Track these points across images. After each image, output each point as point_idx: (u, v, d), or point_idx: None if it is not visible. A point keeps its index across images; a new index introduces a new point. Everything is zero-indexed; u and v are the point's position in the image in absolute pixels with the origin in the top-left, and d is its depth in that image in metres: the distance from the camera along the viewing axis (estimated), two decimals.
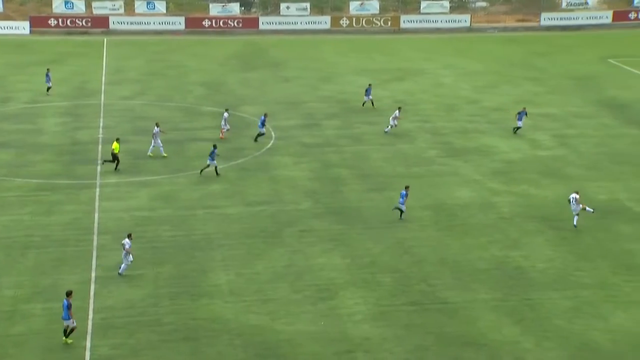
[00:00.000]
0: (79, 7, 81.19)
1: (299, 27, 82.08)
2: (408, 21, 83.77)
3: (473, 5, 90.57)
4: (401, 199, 35.74)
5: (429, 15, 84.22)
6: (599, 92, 58.45)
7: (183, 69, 65.38)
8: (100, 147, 45.42)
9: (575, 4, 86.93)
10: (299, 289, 29.79)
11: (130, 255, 30.44)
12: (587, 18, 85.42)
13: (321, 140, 47.08)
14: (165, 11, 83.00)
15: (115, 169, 41.34)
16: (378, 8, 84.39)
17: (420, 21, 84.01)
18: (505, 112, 53.01)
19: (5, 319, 27.58)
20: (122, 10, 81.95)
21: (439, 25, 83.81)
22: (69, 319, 26.02)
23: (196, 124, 50.30)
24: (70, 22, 79.90)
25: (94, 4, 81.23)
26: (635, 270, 31.29)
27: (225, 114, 47.24)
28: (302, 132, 48.33)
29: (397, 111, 48.67)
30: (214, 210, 36.90)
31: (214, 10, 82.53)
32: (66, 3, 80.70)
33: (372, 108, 53.17)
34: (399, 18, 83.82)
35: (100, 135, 47.56)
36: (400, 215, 35.84)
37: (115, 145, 41.53)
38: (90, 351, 25.86)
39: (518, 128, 47.83)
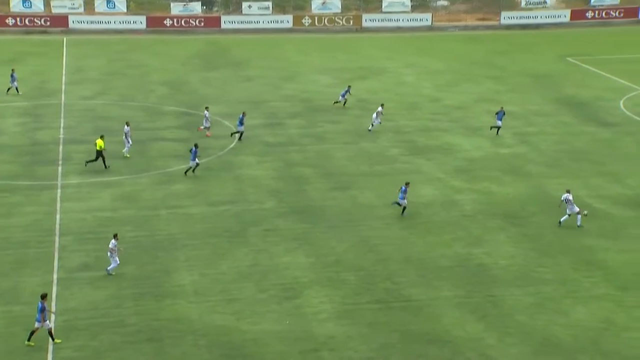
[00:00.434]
0: (38, 5, 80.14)
1: (261, 26, 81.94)
2: (370, 20, 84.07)
3: (434, 4, 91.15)
4: (401, 195, 36.07)
5: (391, 14, 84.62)
6: (558, 90, 59.23)
7: (145, 68, 64.90)
8: (61, 147, 44.93)
9: (534, 3, 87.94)
10: (264, 289, 29.77)
11: (116, 256, 30.31)
12: (546, 17, 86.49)
13: (284, 140, 47.08)
14: (125, 10, 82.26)
15: (105, 166, 41.16)
16: (340, 7, 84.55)
17: (382, 20, 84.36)
18: (467, 110, 53.51)
19: None
20: (81, 9, 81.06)
21: (400, 24, 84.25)
22: (41, 321, 25.72)
23: (159, 123, 49.98)
24: (28, 21, 78.80)
25: (52, 3, 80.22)
26: (595, 266, 31.78)
27: (206, 112, 47.18)
28: (265, 131, 48.28)
29: (380, 107, 48.92)
30: (177, 210, 36.71)
31: (176, 9, 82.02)
32: (24, 2, 79.60)
33: (340, 107, 53.29)
34: (360, 17, 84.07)
35: (61, 136, 47.04)
36: (402, 212, 36.19)
37: (99, 142, 41.19)
38: (53, 354, 25.58)
39: (498, 128, 47.79)
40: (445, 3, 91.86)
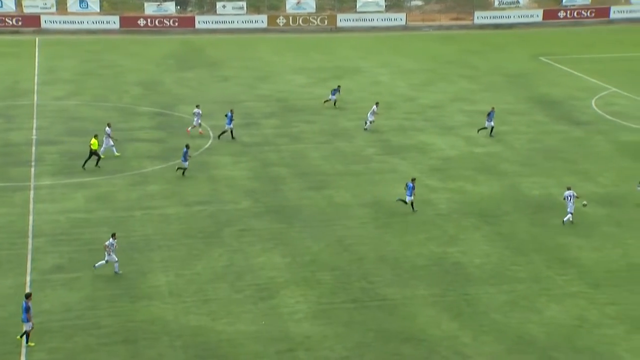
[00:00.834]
0: (9, 5, 79.42)
1: (235, 26, 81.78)
2: (344, 20, 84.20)
3: (408, 4, 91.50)
4: (408, 191, 36.27)
5: (365, 14, 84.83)
6: (531, 89, 59.69)
7: (118, 68, 64.51)
8: (34, 148, 44.54)
9: (507, 3, 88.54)
10: (240, 289, 29.72)
11: (114, 254, 30.22)
12: (519, 17, 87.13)
13: (260, 140, 47.01)
14: (99, 10, 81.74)
15: (96, 164, 41.18)
16: (314, 7, 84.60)
17: (356, 20, 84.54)
18: (441, 110, 53.76)
19: None
20: (54, 9, 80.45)
21: (375, 23, 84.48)
22: (27, 321, 25.52)
23: (133, 124, 49.70)
24: (0, 21, 78.07)
25: (24, 3, 79.53)
26: (568, 264, 32.07)
27: (197, 110, 47.19)
28: (240, 131, 48.15)
29: (375, 106, 49.04)
30: (152, 211, 36.54)
31: (149, 9, 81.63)
32: None
33: (317, 107, 53.37)
34: (335, 17, 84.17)
35: (34, 137, 46.64)
36: (412, 207, 36.43)
37: (93, 141, 41.13)
38: (26, 357, 25.36)
39: (492, 128, 47.70)
40: (419, 3, 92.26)
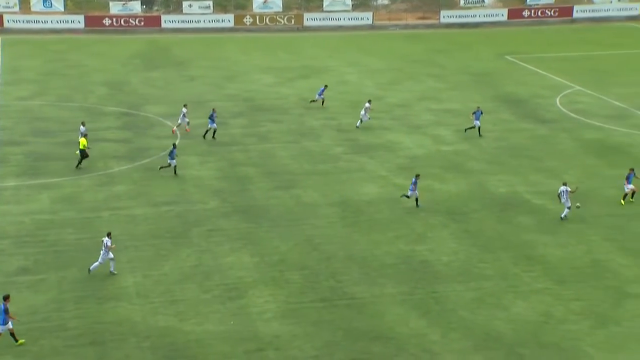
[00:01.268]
0: None
1: (202, 25, 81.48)
2: (311, 19, 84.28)
3: (375, 3, 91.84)
4: (411, 186, 36.67)
5: (332, 13, 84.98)
6: (497, 88, 60.20)
7: (84, 68, 63.91)
8: None
9: (472, 2, 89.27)
10: (208, 289, 29.61)
11: (111, 253, 29.98)
12: (484, 16, 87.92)
13: (227, 139, 46.86)
14: (63, 9, 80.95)
15: (78, 165, 40.93)
16: (281, 6, 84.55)
17: (323, 19, 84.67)
18: (409, 109, 54.01)
19: None
20: (17, 9, 79.52)
21: (341, 22, 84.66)
22: (5, 324, 25.21)
23: (99, 124, 49.25)
24: None
25: None
26: (534, 261, 32.38)
27: (184, 109, 47.13)
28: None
29: (368, 103, 49.13)
30: (119, 211, 36.26)
31: (115, 8, 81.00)
32: None
33: (284, 106, 53.34)
34: (302, 16, 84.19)
35: None
36: (417, 203, 36.88)
37: (82, 141, 40.90)
38: None
39: (479, 128, 47.75)
40: (386, 2, 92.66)
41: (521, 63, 68.82)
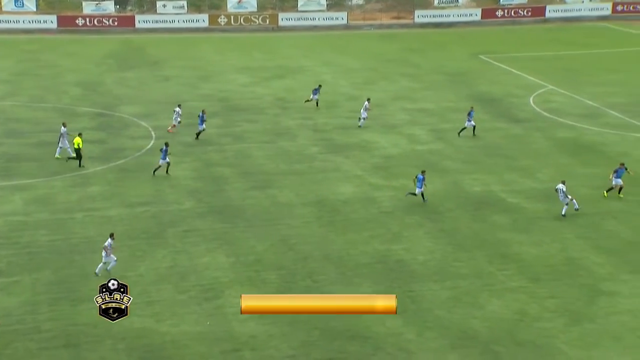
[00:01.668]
0: None
1: (176, 25, 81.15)
2: (286, 19, 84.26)
3: (349, 3, 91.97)
4: (418, 183, 36.88)
5: (307, 13, 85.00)
6: (471, 87, 60.53)
7: (57, 69, 63.40)
8: None
9: (446, 2, 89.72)
10: (184, 290, 29.50)
11: (112, 255, 29.81)
12: (458, 15, 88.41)
13: (203, 139, 46.70)
14: (35, 9, 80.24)
15: (80, 164, 40.70)
16: (256, 6, 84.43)
17: (298, 19, 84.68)
18: (383, 108, 54.13)
19: None
20: None
21: (316, 22, 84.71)
22: None
23: (73, 125, 48.67)
24: None
25: None
26: (509, 259, 32.59)
27: (178, 109, 47.05)
28: (183, 131, 47.75)
29: (367, 102, 49.18)
30: (93, 212, 36.01)
31: (88, 8, 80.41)
32: None
33: (260, 106, 53.23)
34: (277, 16, 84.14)
35: None
36: (423, 198, 37.25)
37: (77, 140, 40.61)
38: None
39: (474, 127, 47.83)
40: (361, 2, 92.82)
41: (495, 62, 69.26)
